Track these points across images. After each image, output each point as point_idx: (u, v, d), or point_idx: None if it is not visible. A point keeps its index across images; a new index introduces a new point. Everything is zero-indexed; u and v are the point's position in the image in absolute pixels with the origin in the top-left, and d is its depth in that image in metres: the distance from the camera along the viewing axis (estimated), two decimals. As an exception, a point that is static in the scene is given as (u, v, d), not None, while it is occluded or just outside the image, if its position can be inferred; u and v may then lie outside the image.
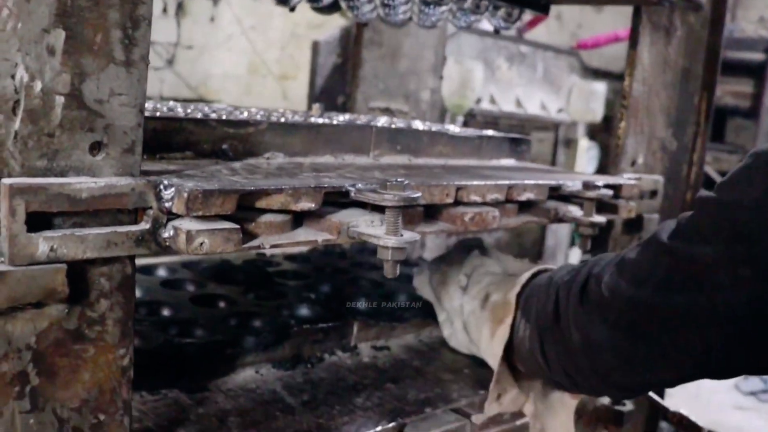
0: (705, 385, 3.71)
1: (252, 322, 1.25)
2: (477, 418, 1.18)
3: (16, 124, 0.68)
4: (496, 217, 1.09)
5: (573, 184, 1.23)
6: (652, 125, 1.55)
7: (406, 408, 1.11)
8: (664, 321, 0.86)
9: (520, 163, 1.55)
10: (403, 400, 1.14)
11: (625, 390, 1.04)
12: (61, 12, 0.68)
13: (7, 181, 0.67)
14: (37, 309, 0.72)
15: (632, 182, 1.36)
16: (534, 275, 1.19)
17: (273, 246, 0.83)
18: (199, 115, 1.08)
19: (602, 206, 1.31)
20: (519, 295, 1.16)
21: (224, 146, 1.04)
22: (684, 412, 1.58)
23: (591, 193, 1.22)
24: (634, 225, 1.51)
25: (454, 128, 1.67)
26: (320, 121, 1.25)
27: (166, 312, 1.27)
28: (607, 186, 1.29)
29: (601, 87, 4.12)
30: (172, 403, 1.04)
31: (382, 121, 1.47)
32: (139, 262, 1.46)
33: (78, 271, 0.74)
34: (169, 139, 1.00)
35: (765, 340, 0.78)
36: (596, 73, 4.73)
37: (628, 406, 1.48)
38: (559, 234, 3.96)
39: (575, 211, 1.24)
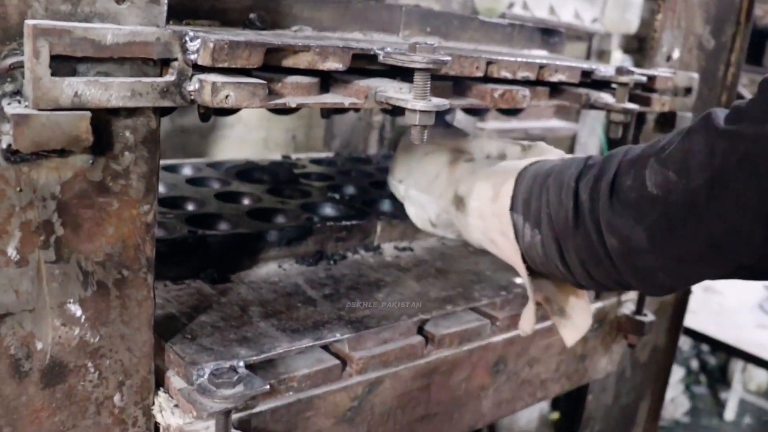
0: (728, 304, 3.71)
1: (276, 218, 1.25)
2: (524, 331, 1.10)
3: None
4: (527, 96, 1.06)
5: (606, 69, 1.20)
6: (689, 20, 1.48)
7: (427, 305, 1.12)
8: (722, 212, 0.78)
9: (552, 55, 1.51)
10: (425, 298, 1.14)
11: (666, 288, 0.93)
12: None
13: (30, 22, 0.66)
14: (62, 158, 0.72)
15: (667, 75, 1.32)
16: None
17: (299, 105, 0.82)
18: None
19: (635, 99, 1.27)
20: (512, 197, 1.03)
21: (252, 15, 1.01)
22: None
23: (624, 78, 1.19)
24: (667, 122, 1.46)
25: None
26: None
27: (190, 206, 1.27)
28: (646, 79, 1.25)
29: None
30: (194, 292, 1.06)
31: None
32: (164, 162, 1.47)
33: (102, 122, 0.73)
34: (196, 5, 0.98)
35: None
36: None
37: (650, 317, 1.48)
38: (587, 149, 3.90)
39: (607, 97, 1.21)
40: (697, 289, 3.54)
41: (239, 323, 0.98)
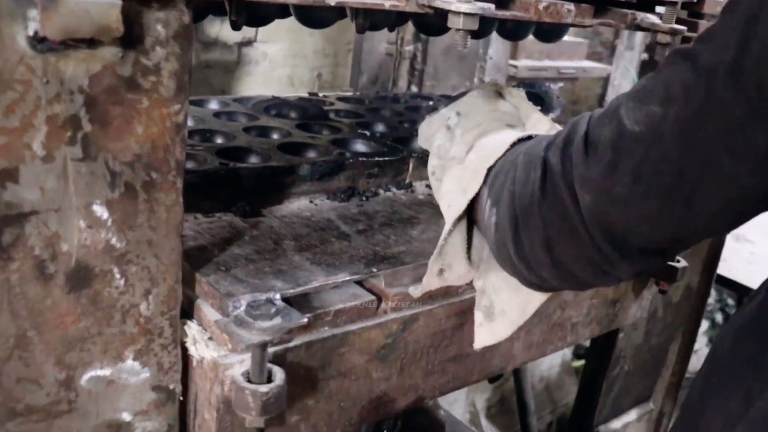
0: (759, 252, 3.66)
1: (307, 153, 1.23)
2: (414, 292, 1.00)
3: None
4: (572, 11, 1.01)
5: None
6: None
7: (462, 243, 1.09)
8: (715, 131, 0.69)
9: None
10: (459, 236, 1.12)
11: (650, 254, 0.81)
12: None
13: None
14: (91, 49, 0.68)
15: None
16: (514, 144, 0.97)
17: (339, 4, 0.79)
18: None
19: (681, 23, 1.23)
20: (490, 168, 0.95)
21: None
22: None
23: None
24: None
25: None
26: None
27: (219, 140, 1.25)
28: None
29: None
30: (226, 225, 1.04)
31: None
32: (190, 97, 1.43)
33: (133, 12, 0.69)
34: None
35: None
36: None
37: (682, 262, 1.45)
38: (620, 91, 3.83)
39: (653, 17, 1.16)
40: (729, 238, 3.51)
41: (273, 256, 0.95)
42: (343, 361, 0.94)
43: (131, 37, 0.70)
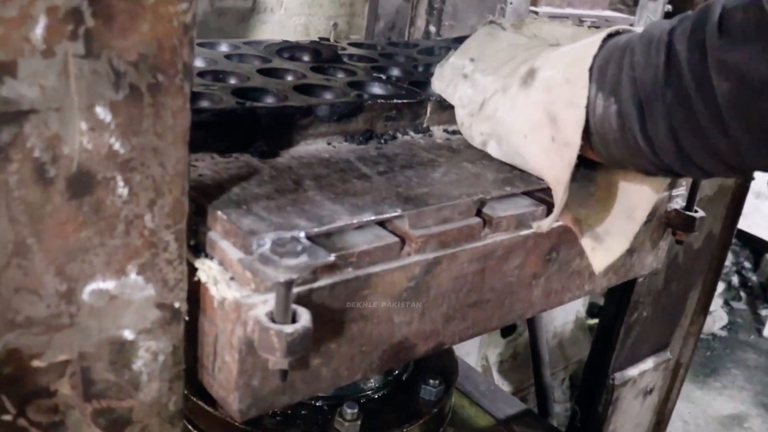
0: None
1: (323, 94, 1.19)
2: (539, 227, 1.04)
3: None
4: None
5: None
6: None
7: (485, 186, 1.07)
8: None
9: None
10: (482, 179, 1.09)
11: None
12: None
13: None
14: None
15: None
16: (606, 39, 0.95)
17: None
18: None
19: None
20: (590, 68, 0.92)
21: None
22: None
23: None
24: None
25: None
26: None
27: (233, 80, 1.21)
28: None
29: None
30: (244, 165, 1.01)
31: None
32: (199, 39, 1.39)
33: None
34: None
35: None
36: None
37: (700, 212, 1.42)
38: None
39: None
40: (750, 194, 3.50)
41: (295, 196, 0.93)
42: (366, 304, 0.92)
43: None
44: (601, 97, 0.91)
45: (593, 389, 1.74)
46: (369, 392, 1.32)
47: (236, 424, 1.22)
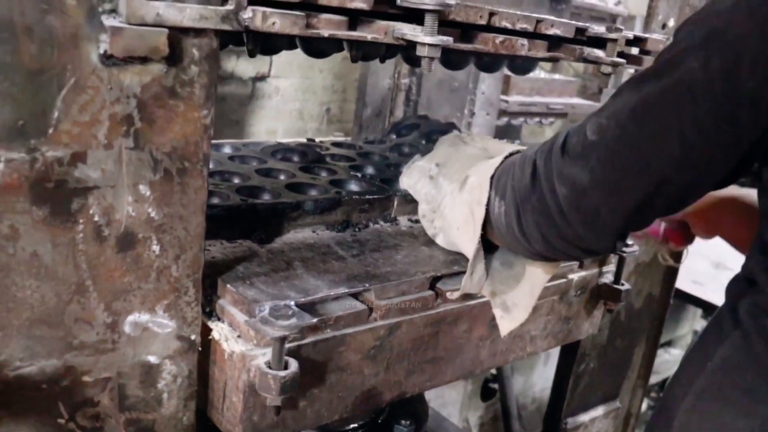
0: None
1: (309, 191, 1.48)
2: (452, 295, 1.30)
3: None
4: (525, 45, 1.27)
5: (598, 28, 1.42)
6: None
7: (436, 266, 1.35)
8: (647, 134, 0.97)
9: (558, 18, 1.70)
10: (434, 260, 1.37)
11: (609, 229, 1.07)
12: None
13: None
14: (143, 65, 0.93)
15: (658, 38, 1.52)
16: (507, 156, 1.25)
17: (330, 36, 1.04)
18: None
19: (630, 60, 1.48)
20: (492, 176, 1.22)
21: None
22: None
23: (614, 35, 1.40)
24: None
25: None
26: None
27: (236, 179, 1.50)
28: (634, 38, 1.47)
29: None
30: (246, 249, 1.29)
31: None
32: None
33: (175, 39, 0.94)
34: None
35: (735, 110, 0.92)
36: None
37: (626, 285, 1.70)
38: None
39: (599, 52, 1.42)
40: (708, 265, 3.77)
41: (286, 273, 1.20)
42: (342, 358, 1.18)
43: (173, 57, 0.95)
44: (496, 200, 1.19)
45: (550, 433, 1.99)
46: (349, 430, 1.57)
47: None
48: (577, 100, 3.86)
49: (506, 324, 1.30)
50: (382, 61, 1.57)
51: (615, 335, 2.00)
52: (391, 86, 2.64)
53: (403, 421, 1.63)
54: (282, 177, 1.56)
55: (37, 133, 0.89)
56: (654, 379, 4.40)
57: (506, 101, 3.25)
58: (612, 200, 1.03)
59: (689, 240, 1.59)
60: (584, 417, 2.02)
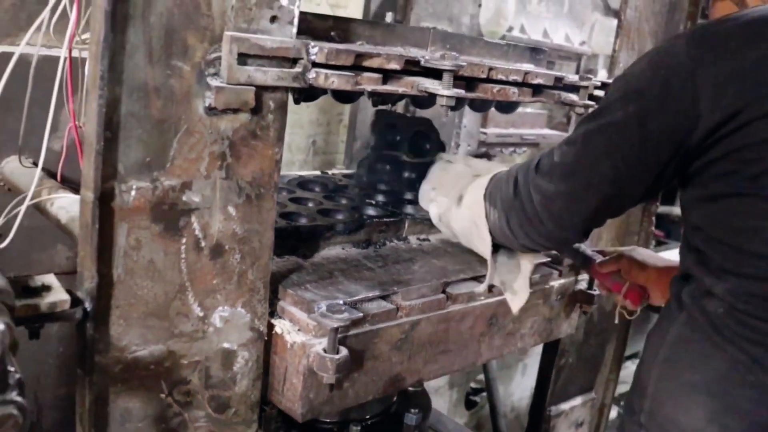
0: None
1: (336, 215, 1.77)
2: (479, 288, 1.64)
3: (233, 1, 1.16)
4: (516, 92, 1.61)
5: (572, 77, 1.76)
6: (641, 44, 2.07)
7: (448, 274, 1.64)
8: (584, 159, 1.34)
9: (537, 68, 2.00)
10: (445, 270, 1.67)
11: (572, 227, 1.41)
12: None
13: (228, 33, 1.17)
14: (235, 114, 1.22)
15: None
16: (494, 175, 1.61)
17: (372, 91, 1.36)
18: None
19: (596, 100, 1.80)
20: (484, 194, 1.56)
21: (332, 33, 1.49)
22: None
23: (585, 83, 1.74)
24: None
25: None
26: (393, 24, 1.72)
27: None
28: (601, 84, 1.81)
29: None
30: (294, 262, 1.57)
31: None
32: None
33: (259, 95, 1.23)
34: (301, 27, 1.35)
35: (645, 147, 1.26)
36: (617, 13, 5.10)
37: (597, 291, 2.01)
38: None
39: (574, 96, 1.75)
40: None
41: (331, 281, 1.49)
42: (375, 348, 1.46)
43: (256, 108, 1.24)
44: (491, 210, 1.54)
45: (535, 420, 2.28)
46: (368, 418, 1.84)
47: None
48: (546, 131, 4.19)
49: (516, 303, 1.64)
50: (394, 104, 1.88)
51: (590, 334, 2.31)
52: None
53: (412, 410, 1.91)
54: (311, 204, 1.85)
55: (159, 167, 1.17)
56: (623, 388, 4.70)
57: (485, 133, 3.57)
58: (572, 206, 1.38)
59: (644, 302, 1.83)
60: (565, 406, 2.32)
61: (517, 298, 1.64)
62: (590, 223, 1.44)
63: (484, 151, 3.49)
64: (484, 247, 1.59)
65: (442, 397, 3.44)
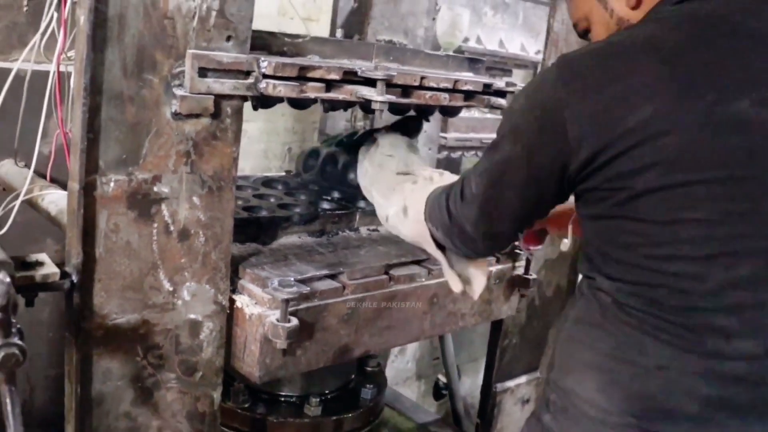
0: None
1: (294, 209, 2.00)
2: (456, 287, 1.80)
3: (194, 24, 1.40)
4: (447, 98, 1.83)
5: (500, 83, 1.98)
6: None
7: (390, 259, 1.87)
8: (492, 190, 1.48)
9: (475, 76, 2.21)
10: (389, 255, 1.90)
11: (502, 242, 1.62)
12: None
13: (190, 50, 1.39)
14: (197, 118, 1.44)
15: None
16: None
17: (315, 97, 1.60)
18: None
19: None
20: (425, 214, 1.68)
21: (284, 48, 1.71)
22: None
23: (511, 88, 1.96)
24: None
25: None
26: (342, 39, 1.96)
27: (239, 201, 2.01)
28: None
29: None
30: (254, 248, 1.80)
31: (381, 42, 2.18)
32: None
33: (217, 102, 1.45)
34: (255, 43, 1.57)
35: (535, 177, 1.41)
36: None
37: (533, 276, 2.23)
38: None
39: (502, 101, 1.98)
40: None
41: (285, 263, 1.72)
42: (324, 320, 1.69)
43: (215, 113, 1.47)
44: (434, 229, 1.68)
45: (485, 397, 2.52)
46: (327, 392, 2.07)
47: (238, 410, 1.96)
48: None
49: (476, 290, 1.79)
50: (345, 109, 2.11)
51: (532, 317, 2.56)
52: (347, 128, 3.15)
53: (368, 385, 2.14)
54: (272, 200, 2.08)
55: (133, 163, 1.40)
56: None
57: (445, 137, 3.77)
58: (494, 226, 1.56)
59: (541, 242, 2.02)
60: (510, 383, 2.56)
61: (476, 284, 1.79)
62: (515, 235, 1.62)
63: (446, 155, 3.72)
64: (436, 255, 1.75)
65: (410, 387, 3.66)
